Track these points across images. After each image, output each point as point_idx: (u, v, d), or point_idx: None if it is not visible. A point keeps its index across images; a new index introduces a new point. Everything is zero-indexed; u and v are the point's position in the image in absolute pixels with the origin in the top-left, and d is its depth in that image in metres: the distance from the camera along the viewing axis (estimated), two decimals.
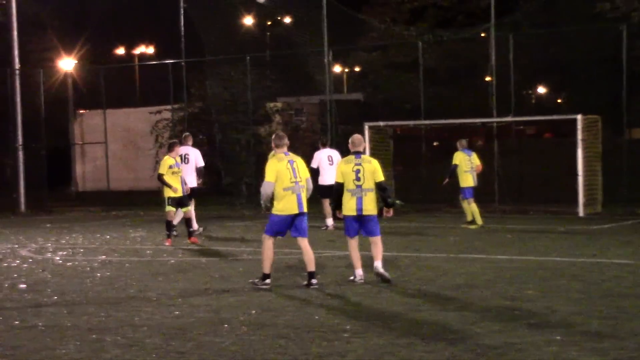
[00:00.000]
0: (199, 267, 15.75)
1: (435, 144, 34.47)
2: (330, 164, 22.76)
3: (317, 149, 24.37)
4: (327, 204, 22.75)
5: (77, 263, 16.82)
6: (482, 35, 33.83)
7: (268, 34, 42.05)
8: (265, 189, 12.97)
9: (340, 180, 13.43)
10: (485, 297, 11.58)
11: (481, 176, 28.26)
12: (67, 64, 44.61)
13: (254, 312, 10.83)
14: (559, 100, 43.21)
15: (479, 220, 22.62)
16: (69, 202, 36.92)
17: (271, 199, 13.12)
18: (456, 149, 22.95)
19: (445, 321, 9.91)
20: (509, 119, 29.52)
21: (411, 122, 31.34)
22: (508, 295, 11.68)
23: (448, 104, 33.82)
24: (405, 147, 31.77)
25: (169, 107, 37.15)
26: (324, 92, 33.47)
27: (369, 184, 13.35)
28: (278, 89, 38.66)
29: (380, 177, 13.51)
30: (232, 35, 37.61)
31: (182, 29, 35.08)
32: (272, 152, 13.57)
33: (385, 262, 13.97)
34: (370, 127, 28.79)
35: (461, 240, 19.65)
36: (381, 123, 29.39)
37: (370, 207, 13.39)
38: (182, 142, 21.45)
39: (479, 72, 36.18)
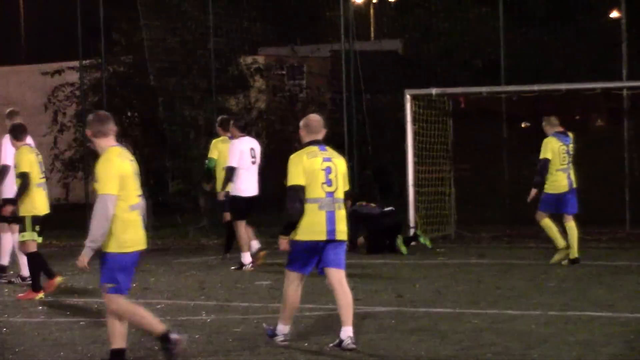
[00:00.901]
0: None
1: (524, 125, 34.22)
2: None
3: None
4: None
5: None
6: None
7: None
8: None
9: (302, 183, 13.63)
10: None
11: (601, 181, 28.23)
12: None
13: None
14: None
15: (562, 243, 22.84)
16: None
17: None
18: (545, 134, 22.83)
19: None
20: None
21: (484, 89, 31.09)
22: None
23: (546, 59, 33.72)
24: (474, 130, 31.67)
25: (75, 63, 37.11)
26: (337, 38, 33.32)
27: (341, 191, 13.84)
28: (260, 34, 38.60)
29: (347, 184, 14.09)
30: None
31: None
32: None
33: (435, 320, 13.66)
34: (414, 97, 28.60)
35: (570, 288, 19.54)
36: (433, 90, 29.19)
37: (343, 227, 13.80)
38: None
39: (601, 7, 36.15)
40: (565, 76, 30.11)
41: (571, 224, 22.55)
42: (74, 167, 38.13)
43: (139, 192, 12.81)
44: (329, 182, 13.53)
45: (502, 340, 14.14)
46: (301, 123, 14.36)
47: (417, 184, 28.43)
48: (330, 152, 14.19)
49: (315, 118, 14.31)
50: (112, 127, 13.14)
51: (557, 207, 22.65)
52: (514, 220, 28.88)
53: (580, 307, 16.99)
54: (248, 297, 19.62)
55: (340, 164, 13.83)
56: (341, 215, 13.66)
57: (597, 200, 29.50)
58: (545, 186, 22.72)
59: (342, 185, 13.72)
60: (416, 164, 28.35)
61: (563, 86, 29.80)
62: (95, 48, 36.09)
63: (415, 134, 28.32)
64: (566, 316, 16.13)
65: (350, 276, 14.53)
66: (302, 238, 13.44)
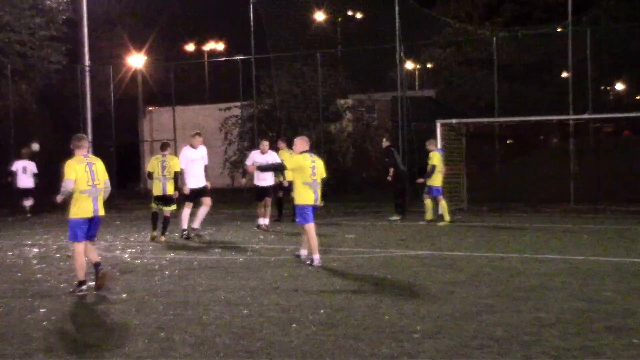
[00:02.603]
0: (267, 266, 15.76)
1: (509, 141, 34.18)
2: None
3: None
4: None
5: (145, 261, 16.94)
6: (559, 30, 33.51)
7: (339, 29, 42.06)
8: (66, 186, 12.99)
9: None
10: (561, 299, 11.44)
11: (556, 175, 28.12)
12: (136, 60, 45.11)
13: (323, 311, 10.83)
14: (638, 97, 42.61)
15: (448, 217, 23.53)
16: (138, 199, 37.11)
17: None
18: (433, 149, 24.01)
19: (519, 323, 9.82)
20: (586, 116, 29.18)
21: (485, 120, 31.16)
22: (584, 297, 11.53)
23: (523, 101, 33.58)
24: (478, 145, 31.60)
25: (238, 104, 37.31)
26: (395, 89, 33.37)
27: (319, 178, 15.78)
28: (349, 86, 38.71)
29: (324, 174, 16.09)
30: (303, 31, 37.69)
31: (252, 24, 35.25)
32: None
33: (460, 262, 13.86)
34: (442, 125, 28.66)
35: (536, 240, 19.45)
36: (454, 120, 29.24)
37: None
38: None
39: (555, 68, 35.89)
40: (535, 111, 30.00)
41: (444, 201, 23.76)
42: (237, 165, 38.31)
43: (90, 182, 13.01)
44: (313, 174, 15.42)
45: (494, 272, 14.28)
46: (298, 140, 16.18)
47: (444, 176, 28.59)
48: (314, 157, 15.87)
49: (305, 138, 16.32)
50: (84, 144, 13.54)
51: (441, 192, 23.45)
52: (503, 199, 28.80)
53: (542, 251, 17.10)
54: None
55: (318, 164, 15.79)
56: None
57: (554, 186, 29.44)
58: (432, 181, 23.94)
59: (319, 174, 15.69)
60: (443, 164, 28.41)
61: (534, 118, 29.83)
62: (251, 94, 36.25)
63: (443, 147, 28.42)
64: (534, 258, 16.20)
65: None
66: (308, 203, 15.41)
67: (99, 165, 13.36)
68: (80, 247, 13.08)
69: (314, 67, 35.61)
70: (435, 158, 23.78)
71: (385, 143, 26.40)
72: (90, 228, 13.17)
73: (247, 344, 9.06)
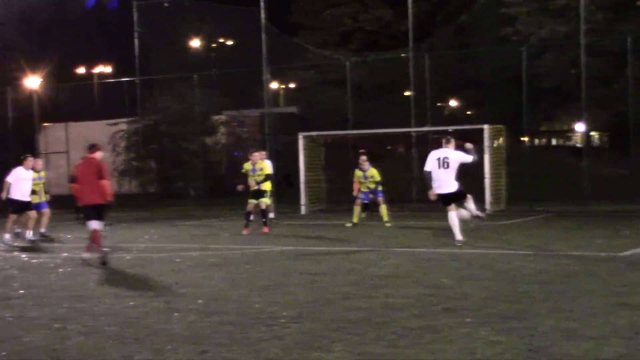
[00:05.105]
0: (152, 262, 15.56)
1: (361, 151, 34.52)
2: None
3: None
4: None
5: (42, 260, 16.52)
6: (402, 55, 34.09)
7: (213, 54, 41.87)
8: None
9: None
10: (407, 286, 11.59)
11: (401, 179, 28.58)
12: (32, 82, 43.97)
13: (201, 301, 10.71)
14: (468, 112, 43.65)
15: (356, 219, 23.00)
16: None
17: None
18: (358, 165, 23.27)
19: (372, 307, 9.89)
20: (425, 128, 29.78)
21: (340, 132, 31.48)
22: (427, 284, 11.69)
23: (373, 116, 33.98)
24: (335, 154, 31.83)
25: (125, 120, 36.92)
26: (263, 105, 33.46)
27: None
28: (223, 104, 38.60)
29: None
30: (182, 56, 37.52)
31: (137, 50, 34.90)
32: None
33: (320, 256, 13.89)
34: (304, 137, 28.88)
35: (386, 235, 19.71)
36: (314, 133, 29.47)
37: None
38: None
39: (400, 88, 36.45)
40: (383, 125, 30.36)
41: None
42: (124, 174, 37.78)
43: None
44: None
45: (351, 264, 14.37)
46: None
47: (306, 181, 28.70)
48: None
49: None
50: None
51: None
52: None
53: (392, 245, 17.29)
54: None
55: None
56: None
57: (399, 188, 29.83)
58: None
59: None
60: (306, 170, 28.61)
61: (382, 130, 30.22)
62: (136, 111, 35.88)
63: (305, 156, 28.59)
64: (385, 251, 16.40)
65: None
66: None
67: None
68: None
69: (191, 87, 35.45)
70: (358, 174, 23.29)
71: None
72: None
73: (134, 332, 8.88)
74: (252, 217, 21.42)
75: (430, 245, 17.13)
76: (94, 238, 15.13)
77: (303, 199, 28.59)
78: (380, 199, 22.91)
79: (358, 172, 22.89)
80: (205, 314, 9.81)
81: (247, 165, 21.22)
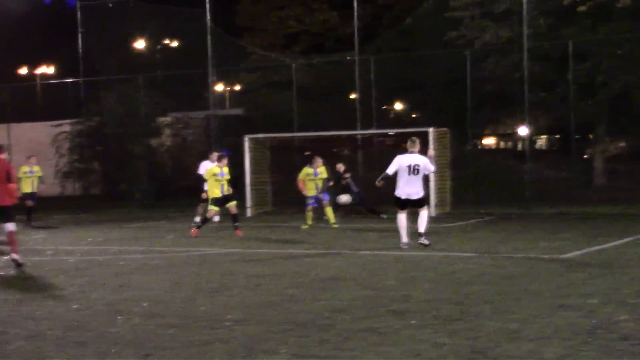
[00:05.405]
0: (96, 265, 15.41)
1: (306, 153, 34.54)
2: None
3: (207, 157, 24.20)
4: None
5: None
6: (348, 58, 34.19)
7: (158, 56, 41.55)
8: None
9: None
10: (352, 288, 11.63)
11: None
12: None
13: (145, 304, 10.63)
14: (414, 115, 43.89)
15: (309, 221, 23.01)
16: None
17: None
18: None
19: (317, 310, 9.90)
20: (371, 131, 29.91)
21: (286, 135, 31.49)
22: (371, 286, 11.75)
23: (318, 119, 34.02)
24: (281, 156, 31.81)
25: (68, 121, 36.55)
26: (208, 107, 33.34)
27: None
28: (168, 105, 38.31)
29: None
30: (127, 57, 37.19)
31: (80, 50, 34.56)
32: None
33: (265, 258, 13.86)
34: (250, 139, 28.80)
35: (332, 238, 19.74)
36: (260, 135, 29.42)
37: None
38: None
39: (346, 90, 36.53)
40: (328, 127, 30.38)
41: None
42: (68, 176, 37.40)
43: None
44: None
45: (296, 266, 14.35)
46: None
47: (252, 183, 28.62)
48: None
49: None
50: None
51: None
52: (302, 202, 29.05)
53: (337, 247, 17.32)
54: None
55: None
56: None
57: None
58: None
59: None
60: (252, 172, 28.54)
61: (327, 133, 30.28)
62: (80, 112, 35.56)
63: (250, 158, 28.52)
64: (330, 253, 16.41)
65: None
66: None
67: None
68: None
69: (136, 89, 35.18)
70: (305, 172, 23.19)
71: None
72: None
73: (77, 336, 8.79)
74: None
75: (375, 248, 17.19)
76: (12, 240, 15.02)
77: (249, 202, 28.49)
78: (326, 201, 22.99)
79: (308, 170, 22.93)
80: (149, 317, 9.74)
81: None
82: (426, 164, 16.83)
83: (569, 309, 9.51)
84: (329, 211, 22.83)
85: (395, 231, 16.92)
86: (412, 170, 16.57)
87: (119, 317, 9.77)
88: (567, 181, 31.02)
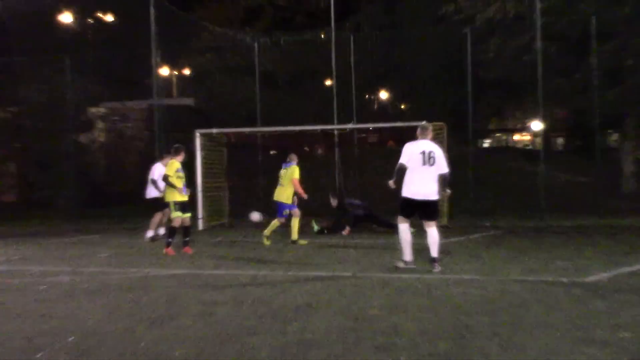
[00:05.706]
0: (12, 290, 15.25)
1: (272, 152, 34.50)
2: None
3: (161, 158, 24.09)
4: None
5: None
6: (322, 36, 34.16)
7: (89, 33, 41.44)
8: None
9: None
10: (327, 318, 11.57)
11: (320, 186, 28.56)
12: None
13: (72, 338, 10.52)
14: (402, 106, 44.00)
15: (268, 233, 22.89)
16: None
17: None
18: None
19: (284, 345, 9.84)
20: (350, 126, 29.85)
21: (247, 129, 31.34)
22: (351, 315, 11.69)
23: (287, 110, 34.01)
24: (240, 156, 31.72)
25: None
26: (151, 96, 33.20)
27: None
28: (101, 93, 38.17)
29: None
30: (50, 35, 36.97)
31: None
32: None
33: (222, 281, 13.73)
34: (202, 135, 28.64)
35: (302, 256, 19.64)
36: (214, 130, 29.23)
37: None
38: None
39: (320, 77, 36.57)
40: (299, 121, 30.34)
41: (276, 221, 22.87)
42: None
43: None
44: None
45: (257, 291, 14.29)
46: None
47: (204, 190, 28.50)
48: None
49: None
50: None
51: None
52: (266, 212, 29.01)
53: (308, 268, 17.26)
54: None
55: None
56: None
57: (318, 198, 29.84)
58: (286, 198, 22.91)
59: None
60: (205, 176, 28.43)
61: (297, 128, 30.19)
62: None
63: (203, 158, 28.40)
64: (300, 275, 16.33)
65: None
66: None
67: None
68: None
69: (62, 73, 34.97)
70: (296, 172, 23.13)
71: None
72: None
73: None
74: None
75: (356, 268, 17.13)
76: None
77: (200, 212, 28.35)
78: (296, 210, 22.91)
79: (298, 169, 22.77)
80: (77, 355, 9.64)
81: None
82: (442, 156, 15.77)
83: (594, 344, 9.50)
84: (296, 223, 22.72)
85: (381, 248, 16.88)
86: (427, 159, 15.59)
87: (38, 355, 9.66)
88: (590, 187, 31.16)
